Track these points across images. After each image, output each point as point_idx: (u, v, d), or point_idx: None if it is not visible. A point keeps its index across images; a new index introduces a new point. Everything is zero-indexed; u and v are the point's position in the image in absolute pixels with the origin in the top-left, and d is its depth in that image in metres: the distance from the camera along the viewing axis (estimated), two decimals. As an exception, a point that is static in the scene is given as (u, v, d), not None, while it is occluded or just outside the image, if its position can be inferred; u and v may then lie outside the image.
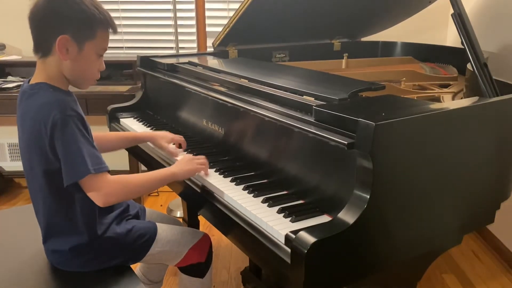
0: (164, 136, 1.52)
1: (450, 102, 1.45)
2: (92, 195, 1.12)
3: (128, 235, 1.28)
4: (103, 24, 1.17)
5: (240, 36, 1.97)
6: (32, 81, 1.18)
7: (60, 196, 1.17)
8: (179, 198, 2.67)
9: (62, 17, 1.12)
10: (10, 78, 2.74)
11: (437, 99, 1.54)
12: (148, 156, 1.61)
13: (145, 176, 1.23)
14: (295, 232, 0.94)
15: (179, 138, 1.52)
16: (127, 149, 1.74)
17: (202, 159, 1.34)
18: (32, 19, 1.14)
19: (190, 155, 1.43)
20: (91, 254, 1.23)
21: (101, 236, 1.24)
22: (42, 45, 1.15)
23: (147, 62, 1.94)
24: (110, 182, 1.13)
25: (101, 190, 1.11)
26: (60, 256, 1.24)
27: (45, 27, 1.13)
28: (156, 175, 1.26)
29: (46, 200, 1.18)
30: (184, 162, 1.31)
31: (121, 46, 2.96)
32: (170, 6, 2.80)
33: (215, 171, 1.34)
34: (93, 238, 1.22)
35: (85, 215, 1.20)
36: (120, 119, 1.93)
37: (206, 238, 1.45)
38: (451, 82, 1.81)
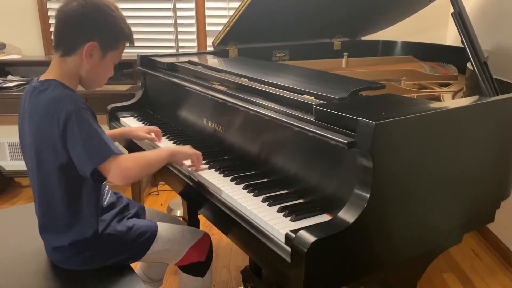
0: (140, 128, 1.62)
1: (450, 101, 1.45)
2: (113, 175, 1.13)
3: (129, 234, 1.29)
4: (126, 37, 1.26)
5: (240, 35, 1.96)
6: (43, 78, 1.21)
7: (69, 189, 1.19)
8: (179, 197, 2.67)
9: (97, 25, 1.18)
10: (10, 77, 2.74)
11: (437, 98, 1.54)
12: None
13: (151, 154, 1.29)
14: (295, 231, 0.94)
15: (155, 128, 1.61)
16: (125, 146, 1.76)
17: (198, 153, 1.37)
18: (65, 20, 1.18)
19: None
20: (91, 252, 1.24)
21: (102, 233, 1.24)
22: (67, 45, 1.19)
23: (147, 61, 1.95)
24: (128, 160, 1.16)
25: (122, 169, 1.14)
26: (60, 254, 1.25)
27: (77, 31, 1.18)
28: (159, 153, 1.30)
29: (53, 193, 1.19)
30: (183, 147, 1.38)
31: (121, 45, 2.96)
32: (170, 6, 2.80)
33: (215, 170, 1.33)
34: (94, 234, 1.23)
35: (90, 207, 1.22)
36: (120, 118, 1.93)
37: (206, 237, 1.45)
38: (451, 81, 1.81)
